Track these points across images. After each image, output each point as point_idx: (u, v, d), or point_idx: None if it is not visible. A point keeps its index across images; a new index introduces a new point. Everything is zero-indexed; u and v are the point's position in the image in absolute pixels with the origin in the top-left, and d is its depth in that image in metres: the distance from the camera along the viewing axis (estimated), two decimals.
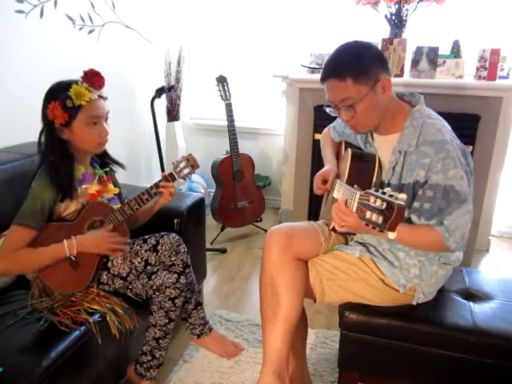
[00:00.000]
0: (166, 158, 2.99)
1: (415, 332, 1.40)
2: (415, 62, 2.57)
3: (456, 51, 2.62)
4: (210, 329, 1.88)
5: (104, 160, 1.65)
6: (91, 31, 2.66)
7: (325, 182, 1.60)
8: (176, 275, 1.59)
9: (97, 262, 1.55)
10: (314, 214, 2.86)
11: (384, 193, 1.00)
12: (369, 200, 1.02)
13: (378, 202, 0.99)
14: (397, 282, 1.43)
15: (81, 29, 2.57)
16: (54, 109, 1.40)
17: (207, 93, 3.38)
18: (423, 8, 2.62)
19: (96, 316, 1.46)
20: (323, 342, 2.01)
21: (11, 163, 1.81)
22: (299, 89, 2.82)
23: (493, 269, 2.72)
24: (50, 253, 1.44)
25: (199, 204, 2.05)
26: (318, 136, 2.75)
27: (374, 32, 2.79)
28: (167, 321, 1.59)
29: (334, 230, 1.54)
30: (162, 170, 2.61)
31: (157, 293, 1.57)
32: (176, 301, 1.58)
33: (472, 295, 1.55)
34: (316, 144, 2.80)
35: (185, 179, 1.64)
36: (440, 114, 1.41)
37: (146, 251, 1.65)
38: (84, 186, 1.53)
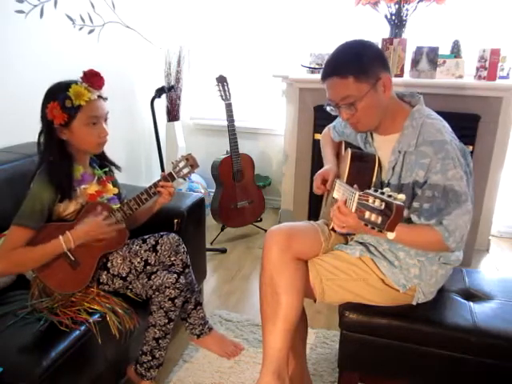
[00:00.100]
0: (165, 158, 2.99)
1: (415, 332, 1.40)
2: (415, 62, 2.57)
3: (456, 51, 2.62)
4: (209, 329, 1.88)
5: (101, 160, 1.65)
6: (91, 31, 2.66)
7: (324, 181, 1.60)
8: (176, 275, 1.59)
9: (96, 262, 1.55)
10: (313, 213, 2.86)
11: (383, 193, 1.00)
12: (368, 200, 1.02)
13: (377, 203, 0.99)
14: (397, 282, 1.43)
15: (81, 29, 2.57)
16: (53, 109, 1.40)
17: (207, 93, 3.38)
18: (423, 8, 2.62)
19: (96, 316, 1.46)
20: (323, 341, 2.01)
21: (11, 163, 1.81)
22: (299, 89, 2.82)
23: (493, 269, 2.72)
24: (48, 249, 1.42)
25: (199, 204, 2.05)
26: (317, 136, 2.75)
27: (374, 32, 2.79)
28: (167, 321, 1.60)
29: (333, 230, 1.54)
30: (162, 170, 2.60)
31: (156, 293, 1.57)
32: (176, 301, 1.59)
33: (472, 295, 1.55)
34: (316, 144, 2.80)
35: (184, 179, 1.64)
36: (440, 113, 1.41)
37: (145, 251, 1.65)
38: (83, 187, 1.53)
